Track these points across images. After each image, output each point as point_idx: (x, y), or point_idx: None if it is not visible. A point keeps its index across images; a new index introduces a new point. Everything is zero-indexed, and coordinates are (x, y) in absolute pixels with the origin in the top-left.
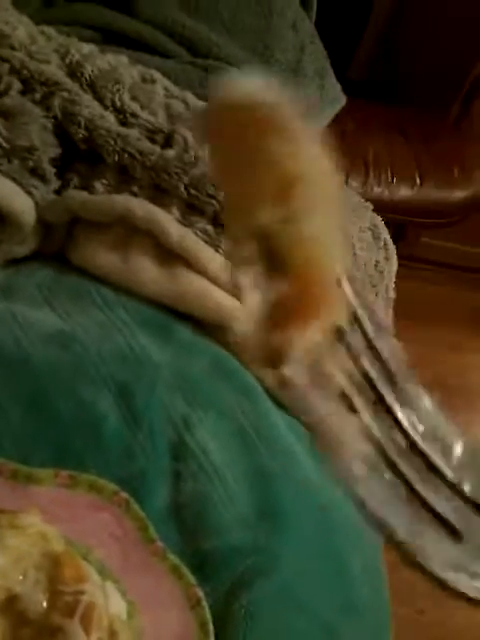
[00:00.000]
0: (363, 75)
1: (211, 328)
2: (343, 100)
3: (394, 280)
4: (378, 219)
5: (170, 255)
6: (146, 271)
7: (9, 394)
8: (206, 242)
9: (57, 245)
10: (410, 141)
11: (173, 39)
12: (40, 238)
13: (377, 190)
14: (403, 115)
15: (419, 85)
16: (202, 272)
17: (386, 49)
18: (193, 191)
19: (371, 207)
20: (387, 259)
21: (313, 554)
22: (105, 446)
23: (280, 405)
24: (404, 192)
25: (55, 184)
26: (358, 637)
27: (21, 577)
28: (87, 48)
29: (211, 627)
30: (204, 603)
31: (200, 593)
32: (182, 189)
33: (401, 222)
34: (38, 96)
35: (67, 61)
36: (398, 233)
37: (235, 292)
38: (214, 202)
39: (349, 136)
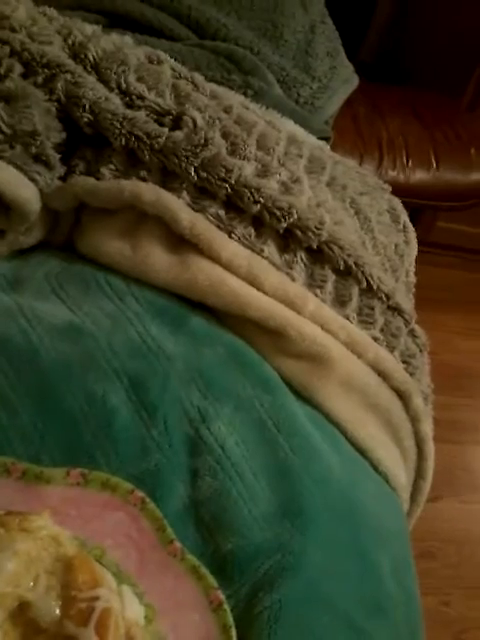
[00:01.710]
0: (374, 58)
1: (226, 317)
2: (356, 81)
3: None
4: (396, 201)
5: (181, 242)
6: (156, 259)
7: (17, 390)
8: (219, 227)
9: (65, 234)
10: (425, 123)
11: (180, 21)
12: (47, 227)
13: (392, 174)
14: (417, 97)
15: (432, 67)
16: (215, 259)
17: (397, 31)
18: (203, 174)
19: (389, 189)
20: (407, 242)
21: (339, 552)
22: (117, 442)
23: (300, 396)
24: (420, 175)
25: (60, 170)
26: (389, 638)
27: (32, 583)
28: (90, 29)
29: (234, 631)
30: (226, 606)
31: (221, 595)
32: (192, 172)
33: (417, 206)
34: (40, 79)
35: (70, 42)
36: (414, 217)
37: (250, 279)
38: (226, 185)
39: (362, 119)
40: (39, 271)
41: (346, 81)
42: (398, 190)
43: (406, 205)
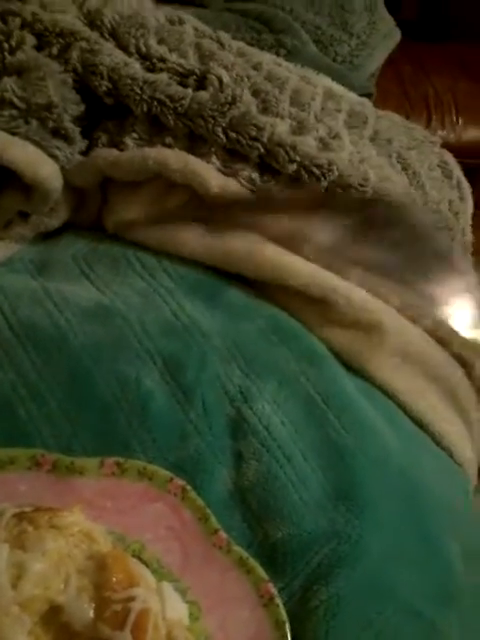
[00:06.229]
0: (417, 14)
1: (265, 288)
2: (397, 36)
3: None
4: (448, 155)
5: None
6: (187, 230)
7: (46, 378)
8: (253, 192)
9: (92, 214)
10: (475, 78)
11: None
12: (71, 207)
13: (441, 133)
14: (465, 52)
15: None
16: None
17: None
18: (233, 134)
19: (439, 142)
20: (462, 199)
21: (400, 538)
22: (153, 428)
23: (350, 369)
24: (472, 133)
25: (81, 144)
26: (460, 630)
27: (63, 585)
28: None
29: (288, 627)
30: (278, 600)
31: (273, 589)
32: (221, 134)
33: (470, 166)
34: (55, 50)
35: (85, 10)
36: (468, 179)
37: (291, 244)
38: (258, 145)
39: (407, 79)
40: (66, 253)
41: (387, 36)
42: (449, 150)
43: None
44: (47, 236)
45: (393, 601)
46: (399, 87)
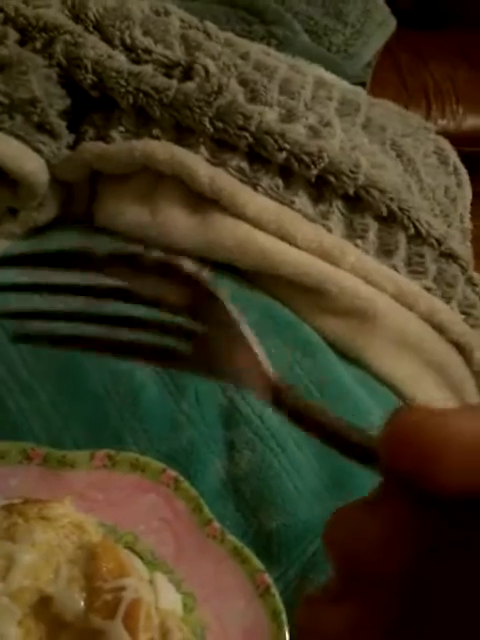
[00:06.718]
0: (411, 4)
1: (257, 278)
2: (393, 24)
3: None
4: (444, 142)
5: (202, 200)
6: (176, 221)
7: (37, 371)
8: (242, 181)
9: (81, 208)
10: (474, 65)
11: None
12: (60, 202)
13: (442, 122)
14: (464, 38)
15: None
16: (240, 215)
17: None
18: (220, 124)
19: (433, 129)
20: (459, 185)
21: None
22: (145, 418)
23: (346, 358)
24: (472, 121)
25: (68, 139)
26: None
27: (53, 575)
28: None
29: (284, 617)
30: (274, 590)
31: (269, 579)
32: (207, 124)
33: (471, 154)
34: (39, 44)
35: (69, 4)
36: (468, 167)
37: (281, 234)
38: (246, 134)
39: (405, 68)
40: (55, 247)
41: (382, 24)
42: (449, 139)
43: (459, 155)
44: (36, 231)
45: None
46: (397, 76)
